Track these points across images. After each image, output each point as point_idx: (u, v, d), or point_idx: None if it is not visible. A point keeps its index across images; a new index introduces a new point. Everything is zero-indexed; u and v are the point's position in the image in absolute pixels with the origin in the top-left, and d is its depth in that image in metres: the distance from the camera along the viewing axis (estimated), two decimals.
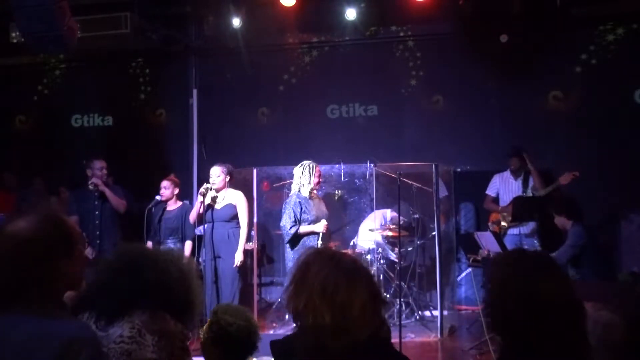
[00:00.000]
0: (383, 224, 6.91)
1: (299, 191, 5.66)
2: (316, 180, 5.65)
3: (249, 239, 6.16)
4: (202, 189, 5.76)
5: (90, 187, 6.11)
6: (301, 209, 5.55)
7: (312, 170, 5.65)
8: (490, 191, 7.07)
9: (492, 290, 1.63)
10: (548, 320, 1.51)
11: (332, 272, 1.63)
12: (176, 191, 6.12)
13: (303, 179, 5.65)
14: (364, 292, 1.61)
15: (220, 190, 5.75)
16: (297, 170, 5.72)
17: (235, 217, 5.73)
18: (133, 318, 1.91)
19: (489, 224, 7.00)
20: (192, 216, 5.86)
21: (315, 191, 5.73)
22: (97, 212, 6.06)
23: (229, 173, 5.83)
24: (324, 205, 5.76)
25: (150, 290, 1.94)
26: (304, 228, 5.51)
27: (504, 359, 1.60)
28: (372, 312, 1.62)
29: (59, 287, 1.63)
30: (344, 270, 1.64)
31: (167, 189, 6.04)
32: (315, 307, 1.59)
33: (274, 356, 1.78)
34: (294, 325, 1.70)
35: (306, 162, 5.71)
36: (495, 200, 7.05)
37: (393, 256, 6.71)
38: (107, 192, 6.06)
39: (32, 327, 1.54)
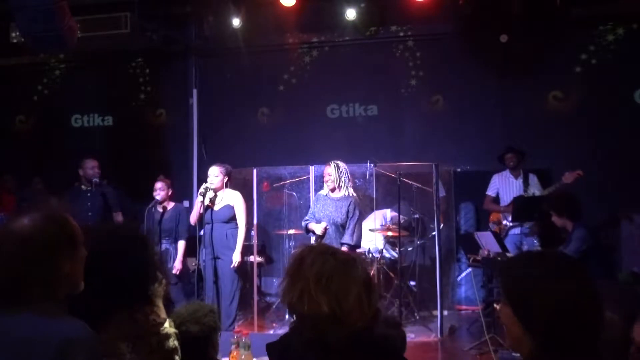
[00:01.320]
0: (383, 224, 6.91)
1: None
2: (324, 179, 5.68)
3: (248, 239, 6.16)
4: (201, 189, 5.75)
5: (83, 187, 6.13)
6: (315, 205, 5.70)
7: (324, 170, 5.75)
8: (490, 191, 7.06)
9: (518, 290, 1.63)
10: (569, 322, 1.52)
11: (328, 262, 1.65)
12: (169, 192, 6.13)
13: None
14: (359, 281, 1.64)
15: (218, 191, 5.72)
16: None
17: (233, 218, 5.69)
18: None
19: (490, 223, 7.00)
20: (193, 217, 5.84)
21: (331, 191, 5.64)
22: (89, 213, 6.05)
23: (228, 173, 5.78)
24: (339, 208, 5.55)
25: (126, 288, 1.85)
26: (311, 225, 5.62)
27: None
28: (368, 302, 1.64)
29: (59, 287, 1.62)
30: (339, 260, 1.67)
31: (162, 190, 6.05)
32: (311, 297, 1.61)
33: (270, 358, 1.78)
34: (291, 319, 1.72)
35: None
36: (495, 200, 7.04)
37: (395, 256, 6.71)
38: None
39: (31, 326, 1.54)
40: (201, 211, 5.68)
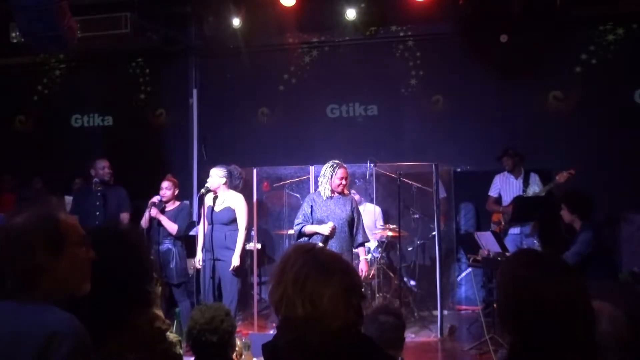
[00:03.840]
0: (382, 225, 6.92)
1: (318, 189, 5.48)
2: (337, 182, 5.29)
3: (248, 239, 6.13)
4: (201, 191, 5.76)
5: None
6: (312, 207, 5.36)
7: (334, 171, 5.32)
8: (492, 192, 7.06)
9: (504, 289, 1.64)
10: (560, 322, 1.53)
11: (305, 264, 1.69)
12: (176, 192, 6.11)
13: (323, 177, 5.40)
14: (336, 283, 1.66)
15: (217, 192, 5.70)
16: (323, 168, 5.46)
17: (233, 221, 5.64)
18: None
19: (491, 223, 7.00)
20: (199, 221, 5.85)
21: (336, 192, 5.35)
22: (97, 213, 6.05)
23: (228, 175, 5.75)
24: (344, 207, 5.34)
25: (120, 291, 1.80)
26: (310, 227, 5.30)
27: (513, 358, 1.61)
28: (345, 304, 1.66)
29: (43, 282, 1.62)
30: (318, 262, 1.70)
31: (168, 189, 6.02)
32: (289, 299, 1.65)
33: (264, 358, 1.79)
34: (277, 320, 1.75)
35: (333, 162, 5.39)
36: (498, 200, 7.03)
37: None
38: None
39: (15, 320, 1.55)
40: (204, 211, 5.69)
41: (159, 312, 2.01)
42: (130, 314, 1.84)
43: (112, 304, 1.78)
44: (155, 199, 5.88)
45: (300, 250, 1.76)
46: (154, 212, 5.90)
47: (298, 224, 5.38)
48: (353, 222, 5.35)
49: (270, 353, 1.77)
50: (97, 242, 1.80)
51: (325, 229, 5.18)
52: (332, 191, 5.33)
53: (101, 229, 2.02)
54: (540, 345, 1.53)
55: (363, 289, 1.81)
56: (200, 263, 5.71)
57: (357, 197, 6.71)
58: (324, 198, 5.35)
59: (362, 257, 5.38)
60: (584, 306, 1.56)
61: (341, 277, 1.69)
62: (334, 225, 5.20)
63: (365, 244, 5.57)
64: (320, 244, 5.01)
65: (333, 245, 5.15)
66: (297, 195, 7.15)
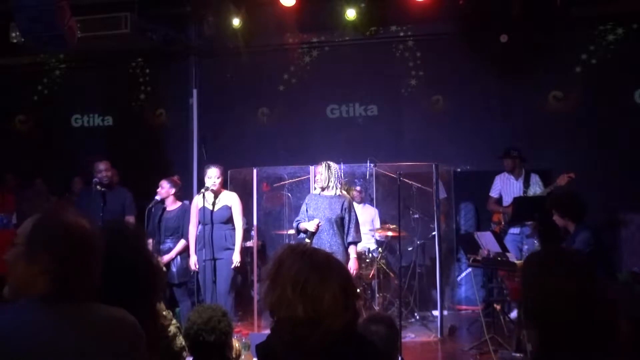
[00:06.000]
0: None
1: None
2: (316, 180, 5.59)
3: (247, 238, 6.13)
4: (201, 191, 5.75)
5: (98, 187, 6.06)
6: (307, 205, 5.58)
7: (315, 169, 5.62)
8: (493, 193, 7.06)
9: (529, 286, 1.69)
10: (585, 318, 1.56)
11: (304, 267, 1.70)
12: (172, 191, 6.07)
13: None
14: (334, 285, 1.69)
15: (217, 192, 5.72)
16: None
17: (230, 219, 5.70)
18: None
19: (492, 224, 7.00)
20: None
21: (322, 190, 5.52)
22: (100, 214, 6.03)
23: (222, 173, 5.82)
24: (332, 205, 5.45)
25: (135, 296, 1.85)
26: (303, 224, 5.49)
27: (539, 352, 1.64)
28: (344, 304, 1.69)
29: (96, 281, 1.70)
30: (316, 264, 1.72)
31: (162, 187, 6.03)
32: (289, 301, 1.66)
33: (258, 358, 1.80)
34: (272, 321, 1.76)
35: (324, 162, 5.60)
36: (499, 201, 7.03)
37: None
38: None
39: (102, 311, 1.65)
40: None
41: (161, 308, 2.02)
42: (133, 310, 1.85)
43: (114, 301, 1.79)
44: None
45: (294, 251, 1.77)
46: (165, 259, 5.87)
47: (296, 221, 5.63)
48: (343, 222, 5.46)
49: (264, 353, 1.77)
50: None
51: (310, 226, 5.36)
52: (322, 188, 5.53)
53: (102, 228, 2.03)
54: (565, 341, 1.56)
55: (358, 289, 1.84)
56: (197, 265, 5.70)
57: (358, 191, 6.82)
58: (318, 195, 5.56)
59: (352, 256, 5.43)
60: (607, 303, 1.59)
61: (338, 277, 1.71)
62: (320, 222, 5.36)
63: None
64: (307, 240, 5.25)
65: (321, 241, 5.29)
66: (291, 195, 7.15)
